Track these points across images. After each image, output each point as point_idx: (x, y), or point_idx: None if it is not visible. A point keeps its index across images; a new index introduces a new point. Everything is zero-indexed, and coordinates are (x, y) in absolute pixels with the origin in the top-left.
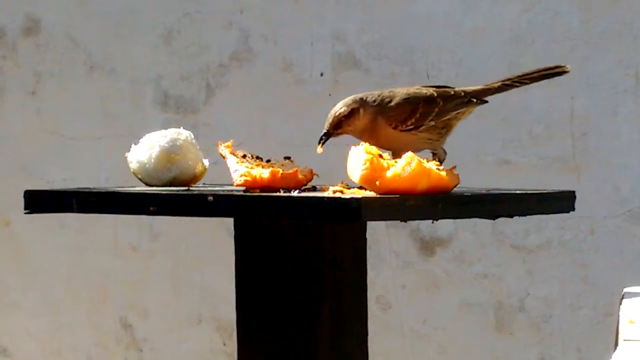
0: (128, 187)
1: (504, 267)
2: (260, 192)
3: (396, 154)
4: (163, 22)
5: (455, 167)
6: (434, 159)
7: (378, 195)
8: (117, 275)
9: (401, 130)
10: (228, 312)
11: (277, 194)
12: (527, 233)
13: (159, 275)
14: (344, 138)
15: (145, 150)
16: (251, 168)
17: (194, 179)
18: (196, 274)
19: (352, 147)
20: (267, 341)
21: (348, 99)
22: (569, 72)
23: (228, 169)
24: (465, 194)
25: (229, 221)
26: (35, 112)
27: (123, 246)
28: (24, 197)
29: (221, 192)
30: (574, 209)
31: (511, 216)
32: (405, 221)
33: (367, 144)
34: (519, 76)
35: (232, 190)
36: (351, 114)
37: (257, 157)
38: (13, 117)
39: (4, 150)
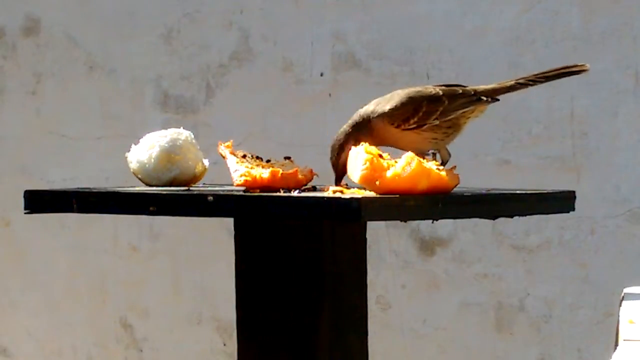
0: (128, 187)
1: (504, 267)
2: (260, 192)
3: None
4: (163, 22)
5: (455, 167)
6: (434, 159)
7: (378, 195)
8: (117, 275)
9: (404, 129)
10: (228, 312)
11: (277, 194)
12: (527, 233)
13: (159, 275)
14: None
15: (145, 150)
16: (251, 168)
17: (194, 179)
18: (196, 274)
19: (352, 147)
20: (267, 341)
21: (334, 141)
22: (588, 70)
23: (228, 169)
24: (465, 194)
25: (229, 221)
26: (35, 112)
27: (123, 246)
28: (24, 197)
29: (221, 192)
30: (574, 209)
31: (511, 216)
32: (405, 221)
33: (366, 143)
34: (535, 75)
35: (232, 190)
36: (340, 151)
37: (257, 157)
38: (13, 117)
39: (4, 150)
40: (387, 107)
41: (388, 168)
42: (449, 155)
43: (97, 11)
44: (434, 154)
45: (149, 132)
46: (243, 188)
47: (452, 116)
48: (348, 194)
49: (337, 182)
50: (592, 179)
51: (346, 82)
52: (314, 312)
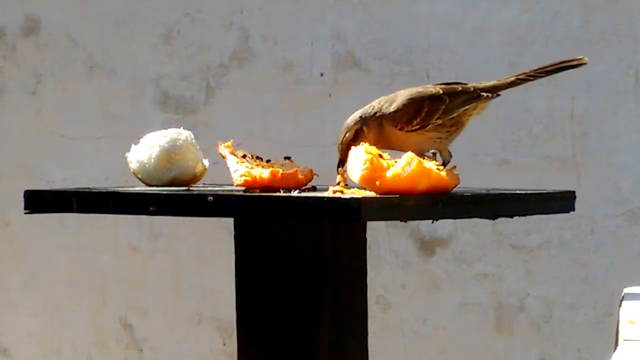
0: (128, 187)
1: (504, 267)
2: (260, 192)
3: None
4: (163, 22)
5: (455, 167)
6: (434, 159)
7: (378, 195)
8: (117, 275)
9: (407, 131)
10: (228, 312)
11: (277, 194)
12: (527, 233)
13: (159, 275)
14: None
15: (145, 150)
16: (251, 168)
17: (194, 179)
18: (196, 274)
19: (352, 147)
20: (267, 341)
21: (349, 121)
22: (587, 63)
23: (228, 169)
24: (465, 194)
25: (229, 221)
26: (35, 112)
27: (123, 246)
28: (24, 197)
29: (221, 192)
30: (574, 209)
31: (511, 216)
32: (405, 221)
33: (367, 144)
34: (534, 70)
35: (232, 190)
36: (356, 136)
37: (257, 157)
38: (13, 117)
39: (4, 150)
40: (389, 110)
41: (388, 168)
42: (450, 156)
43: (97, 11)
44: (434, 154)
45: (149, 132)
46: (243, 188)
47: (454, 114)
48: (348, 194)
49: (340, 165)
50: (592, 179)
51: (346, 82)
52: (314, 312)
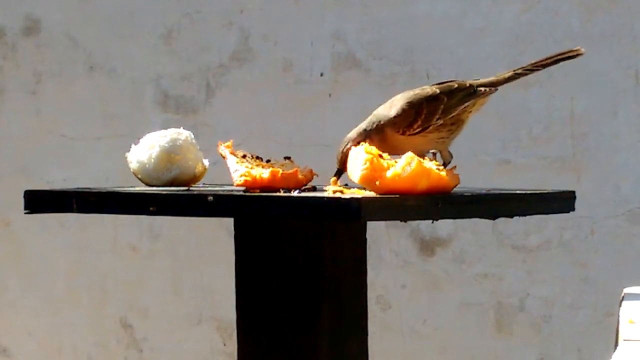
0: (128, 187)
1: (504, 267)
2: (260, 192)
3: None
4: (163, 22)
5: (455, 167)
6: (434, 159)
7: (378, 195)
8: (117, 275)
9: (409, 135)
10: (228, 312)
11: (277, 194)
12: (527, 233)
13: (159, 275)
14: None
15: (145, 150)
16: (251, 168)
17: (194, 179)
18: (196, 274)
19: (352, 147)
20: (267, 341)
21: (352, 133)
22: (583, 54)
23: (228, 169)
24: (465, 194)
25: (229, 221)
26: (35, 112)
27: (123, 246)
28: (24, 197)
29: (221, 192)
30: (574, 209)
31: (511, 216)
32: (405, 221)
33: (367, 144)
34: (532, 64)
35: (232, 190)
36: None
37: (257, 157)
38: (13, 117)
39: (4, 150)
40: (388, 117)
41: (388, 168)
42: (451, 156)
43: (97, 11)
44: (434, 154)
45: (149, 132)
46: (243, 188)
47: (454, 113)
48: (348, 194)
49: (336, 175)
50: (592, 179)
51: (346, 82)
52: (313, 312)
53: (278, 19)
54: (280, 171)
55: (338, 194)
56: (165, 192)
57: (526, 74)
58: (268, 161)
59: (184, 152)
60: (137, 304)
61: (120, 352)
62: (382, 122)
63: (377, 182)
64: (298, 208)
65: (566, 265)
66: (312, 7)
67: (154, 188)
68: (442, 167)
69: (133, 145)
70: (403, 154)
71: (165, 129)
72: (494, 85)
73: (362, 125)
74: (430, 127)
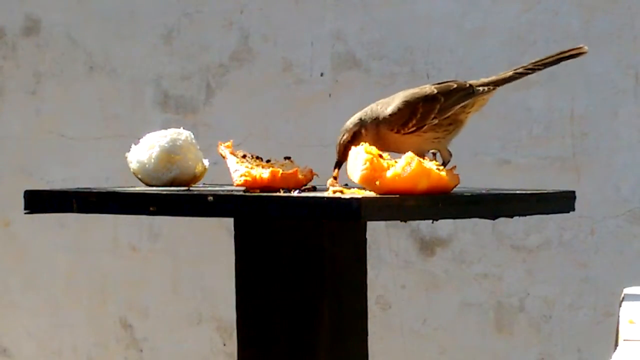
0: (128, 187)
1: (504, 267)
2: (260, 192)
3: None
4: (163, 22)
5: (455, 167)
6: (434, 159)
7: (378, 195)
8: (117, 275)
9: (404, 134)
10: (228, 312)
11: (277, 194)
12: (527, 233)
13: (159, 275)
14: None
15: (145, 150)
16: (251, 168)
17: (194, 179)
18: (196, 274)
19: (352, 147)
20: (267, 341)
21: (348, 123)
22: (586, 52)
23: (228, 169)
24: (465, 194)
25: (229, 221)
26: (35, 112)
27: (123, 246)
28: (24, 197)
29: (221, 192)
30: (574, 209)
31: (511, 216)
32: (405, 221)
33: (367, 144)
34: (533, 63)
35: (232, 190)
36: (354, 137)
37: (257, 157)
38: (13, 117)
39: (4, 150)
40: (384, 114)
41: (388, 168)
42: (450, 155)
43: (97, 11)
44: (434, 154)
45: (149, 132)
46: (243, 188)
47: (450, 112)
48: (348, 194)
49: (336, 166)
50: (592, 179)
51: (346, 82)
52: (313, 312)
53: (278, 19)
54: (280, 171)
55: (338, 194)
56: (165, 192)
57: (527, 74)
58: (268, 161)
59: (184, 152)
60: (137, 304)
61: (120, 352)
62: (377, 119)
63: (377, 182)
64: (298, 208)
65: (566, 265)
66: (312, 7)
67: (154, 188)
68: (442, 167)
69: (133, 145)
70: (398, 152)
71: (165, 129)
72: (494, 84)
73: (359, 115)
74: (425, 127)
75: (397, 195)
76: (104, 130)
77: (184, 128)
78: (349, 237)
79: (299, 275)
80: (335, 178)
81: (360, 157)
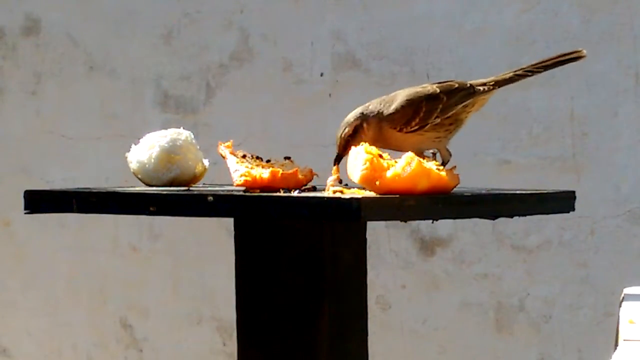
0: (128, 187)
1: (504, 267)
2: (260, 192)
3: None
4: (163, 22)
5: (455, 167)
6: (434, 159)
7: (378, 195)
8: (117, 275)
9: (406, 132)
10: (228, 312)
11: (277, 194)
12: (527, 233)
13: (159, 275)
14: None
15: (145, 150)
16: (251, 168)
17: (194, 179)
18: (196, 274)
19: (352, 147)
20: (267, 341)
21: (350, 117)
22: (585, 57)
23: (228, 169)
24: (465, 194)
25: (229, 221)
26: (35, 112)
27: (123, 246)
28: (24, 197)
29: (221, 192)
30: (574, 209)
31: (511, 216)
32: (405, 221)
33: (367, 144)
34: (532, 65)
35: (232, 190)
36: (355, 132)
37: (257, 157)
38: (13, 117)
39: (4, 150)
40: (387, 112)
41: (388, 168)
42: (450, 155)
43: (97, 11)
44: (434, 154)
45: (149, 132)
46: (243, 188)
47: (452, 112)
48: (348, 194)
49: (336, 160)
50: (592, 179)
51: (346, 82)
52: (314, 312)
53: (278, 19)
54: (280, 171)
55: (338, 194)
56: (165, 192)
57: (527, 76)
58: (268, 161)
59: (184, 152)
60: (137, 304)
61: (120, 352)
62: (380, 116)
63: (377, 182)
64: (298, 208)
65: (566, 265)
66: (312, 7)
67: (154, 188)
68: (442, 167)
69: (133, 145)
70: (398, 150)
71: (165, 129)
72: (493, 85)
73: (360, 109)
74: (427, 126)
75: (397, 195)
76: (104, 130)
77: (184, 128)
78: (349, 237)
79: (299, 275)
80: (337, 174)
81: (360, 157)
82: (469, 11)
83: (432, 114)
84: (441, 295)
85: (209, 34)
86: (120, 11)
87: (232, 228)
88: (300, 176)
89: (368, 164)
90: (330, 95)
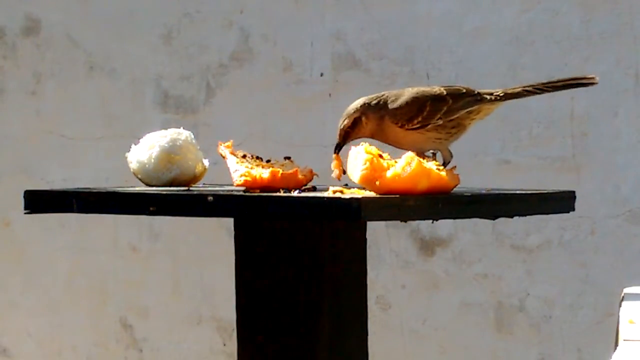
0: (128, 187)
1: (504, 267)
2: (260, 192)
3: None
4: (163, 22)
5: (455, 167)
6: (434, 159)
7: (378, 195)
8: (117, 275)
9: (407, 129)
10: (228, 312)
11: (277, 194)
12: (527, 233)
13: (159, 275)
14: None
15: (145, 150)
16: (251, 168)
17: (194, 179)
18: (196, 274)
19: (352, 147)
20: (267, 341)
21: (351, 108)
22: (597, 83)
23: (228, 169)
24: (465, 194)
25: (229, 221)
26: (35, 112)
27: (123, 246)
28: (24, 197)
29: (221, 192)
30: (574, 209)
31: (511, 216)
32: (405, 221)
33: (367, 144)
34: (543, 83)
35: (232, 190)
36: (355, 124)
37: (257, 157)
38: (13, 117)
39: (4, 150)
40: (392, 106)
41: (388, 168)
42: (451, 155)
43: (97, 11)
44: (434, 154)
45: (149, 132)
46: (243, 188)
47: (456, 115)
48: (348, 194)
49: (336, 149)
50: (592, 179)
51: (346, 82)
52: (314, 312)
53: (278, 19)
54: (280, 171)
55: (338, 194)
56: (165, 192)
57: (536, 93)
58: (268, 161)
59: (184, 152)
60: (137, 304)
61: (120, 352)
62: (383, 109)
63: (377, 182)
64: (298, 208)
65: (566, 265)
66: (312, 7)
67: (154, 188)
68: (442, 167)
69: (133, 145)
70: (396, 146)
71: (165, 129)
72: (501, 97)
73: (363, 99)
74: (429, 126)
75: (397, 195)
76: (104, 130)
77: (184, 128)
78: (349, 237)
79: (299, 275)
80: (338, 160)
81: (360, 157)
82: (469, 11)
83: (436, 114)
84: (441, 295)
85: (209, 34)
86: (120, 11)
87: (232, 228)
88: (300, 176)
89: (368, 164)
90: (330, 95)
